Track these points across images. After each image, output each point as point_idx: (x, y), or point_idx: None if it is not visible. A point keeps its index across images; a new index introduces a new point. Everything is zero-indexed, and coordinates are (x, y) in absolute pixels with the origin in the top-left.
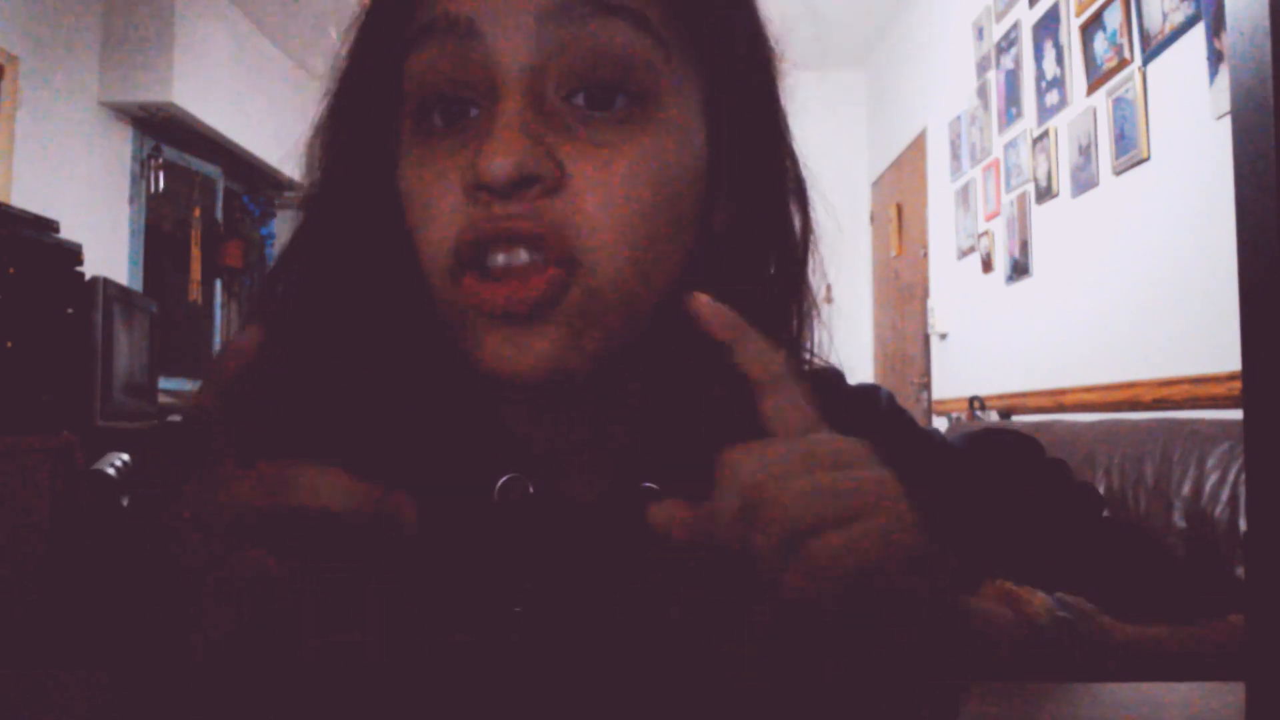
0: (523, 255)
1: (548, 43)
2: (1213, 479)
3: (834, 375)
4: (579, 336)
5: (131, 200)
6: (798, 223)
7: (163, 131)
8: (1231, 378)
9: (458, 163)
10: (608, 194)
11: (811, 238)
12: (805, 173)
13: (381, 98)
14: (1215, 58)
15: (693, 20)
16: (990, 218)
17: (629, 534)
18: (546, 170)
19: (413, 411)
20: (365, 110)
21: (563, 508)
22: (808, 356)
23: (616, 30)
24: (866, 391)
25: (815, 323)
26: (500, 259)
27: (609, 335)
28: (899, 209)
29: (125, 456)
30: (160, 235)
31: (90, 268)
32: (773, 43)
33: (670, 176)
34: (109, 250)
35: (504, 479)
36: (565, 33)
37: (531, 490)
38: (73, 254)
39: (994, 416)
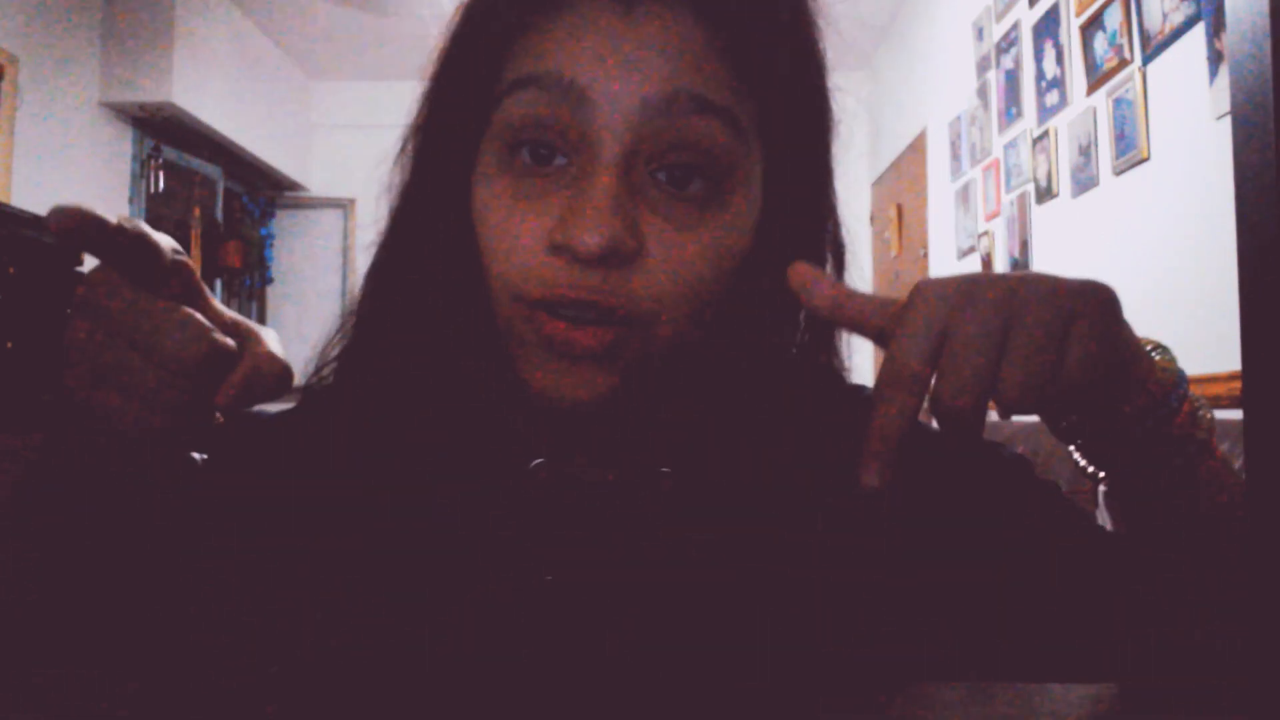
0: (591, 315)
1: (649, 128)
2: None
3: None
4: (626, 378)
5: (131, 200)
6: (830, 270)
7: (163, 131)
8: (1231, 378)
9: (542, 209)
10: (677, 273)
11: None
12: (846, 235)
13: (470, 127)
14: (1215, 58)
15: (769, 109)
16: (990, 218)
17: (644, 510)
18: (629, 246)
19: (453, 400)
20: (453, 134)
21: (585, 486)
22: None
23: (710, 127)
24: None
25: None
26: (569, 313)
27: (649, 372)
28: (899, 209)
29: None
30: None
31: (90, 268)
32: (835, 111)
33: (731, 252)
34: None
35: (534, 463)
36: (665, 120)
37: (555, 470)
38: (73, 254)
39: (994, 416)
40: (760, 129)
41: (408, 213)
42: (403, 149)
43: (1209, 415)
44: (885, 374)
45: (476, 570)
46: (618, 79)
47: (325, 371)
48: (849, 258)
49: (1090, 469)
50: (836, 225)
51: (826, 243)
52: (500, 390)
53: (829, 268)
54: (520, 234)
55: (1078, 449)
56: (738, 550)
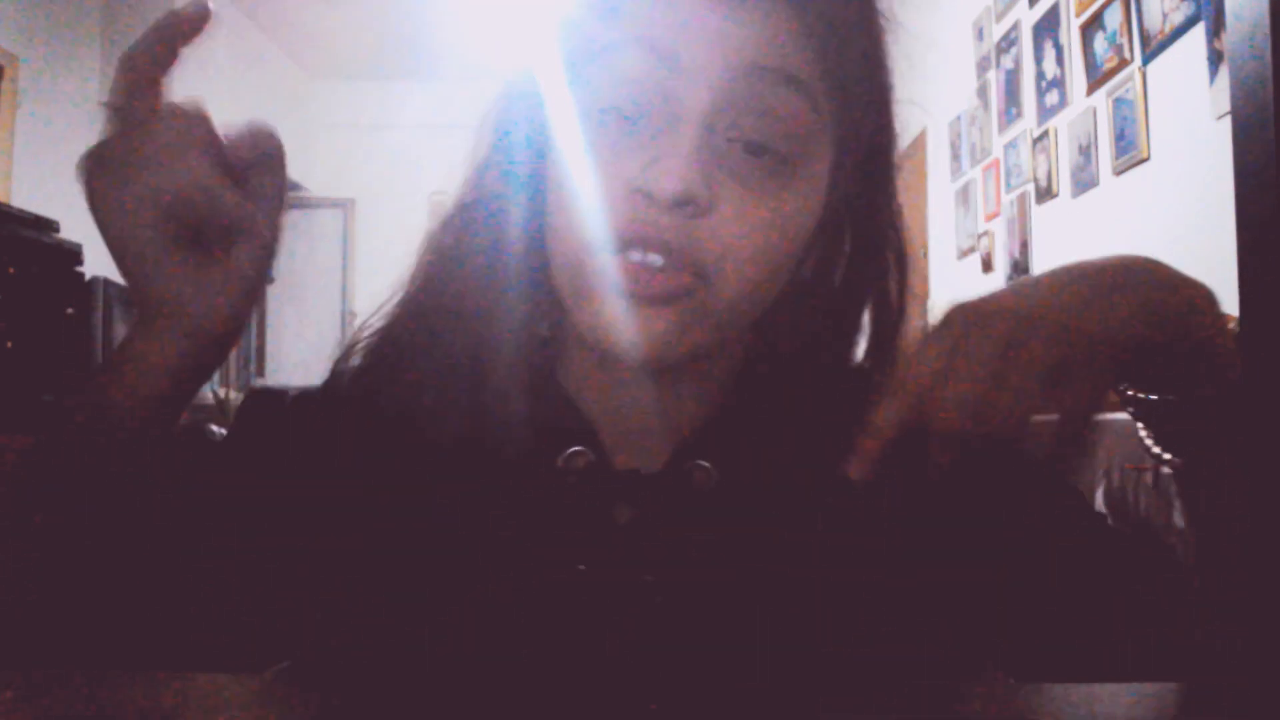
0: (658, 259)
1: (731, 94)
2: None
3: None
4: (688, 330)
5: None
6: (894, 281)
7: None
8: None
9: (625, 157)
10: (744, 230)
11: (906, 295)
12: (905, 231)
13: (558, 90)
14: (1215, 58)
15: (843, 88)
16: (990, 218)
17: (680, 503)
18: (702, 196)
19: (496, 389)
20: (537, 100)
21: (621, 478)
22: None
23: (789, 98)
24: None
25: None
26: (635, 256)
27: (709, 334)
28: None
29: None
30: None
31: (90, 268)
32: (897, 109)
33: (797, 226)
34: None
35: (569, 451)
36: (746, 90)
37: (592, 460)
38: (73, 254)
39: None
40: (834, 109)
41: (485, 181)
42: (486, 123)
43: None
44: (894, 382)
45: (499, 564)
46: (706, 46)
47: (357, 349)
48: (910, 258)
49: (1160, 451)
50: (899, 231)
51: (889, 247)
52: (537, 383)
53: (891, 273)
54: (603, 177)
55: (1149, 432)
56: (768, 550)
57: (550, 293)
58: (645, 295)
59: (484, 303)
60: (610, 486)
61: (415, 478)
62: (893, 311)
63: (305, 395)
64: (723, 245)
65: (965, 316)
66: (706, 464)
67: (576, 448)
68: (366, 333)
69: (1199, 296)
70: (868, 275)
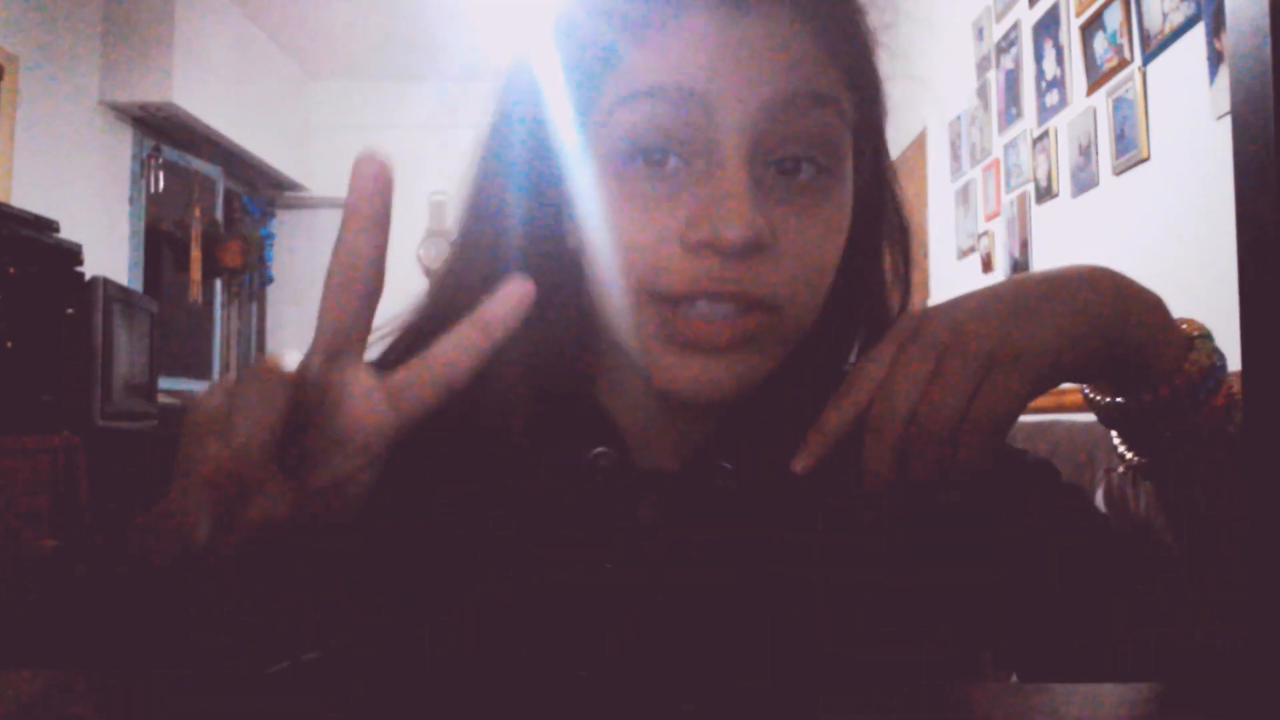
0: (728, 309)
1: (769, 125)
2: None
3: None
4: (763, 365)
5: (131, 200)
6: (902, 259)
7: (163, 131)
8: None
9: (669, 208)
10: (805, 256)
11: (912, 270)
12: (908, 221)
13: (573, 138)
14: (1215, 58)
15: (860, 95)
16: (990, 218)
17: (703, 502)
18: (765, 236)
19: (523, 391)
20: (548, 145)
21: (645, 477)
22: None
23: (822, 119)
24: None
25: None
26: (704, 307)
27: (781, 358)
28: None
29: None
30: (160, 235)
31: (90, 268)
32: (885, 91)
33: (842, 228)
34: (109, 250)
35: (595, 451)
36: (786, 116)
37: (616, 459)
38: (73, 254)
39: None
40: (855, 112)
41: (492, 217)
42: (482, 157)
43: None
44: (844, 385)
45: (523, 563)
46: (737, 83)
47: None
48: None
49: (1128, 454)
50: (899, 205)
51: (895, 224)
52: (564, 364)
53: (898, 245)
54: (651, 233)
55: (1118, 434)
56: (786, 549)
57: (587, 326)
58: (719, 346)
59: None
60: (634, 486)
61: (441, 473)
62: (903, 286)
63: None
64: (787, 274)
65: (910, 323)
66: (728, 465)
67: (601, 449)
68: (387, 328)
69: (1141, 306)
70: (877, 257)
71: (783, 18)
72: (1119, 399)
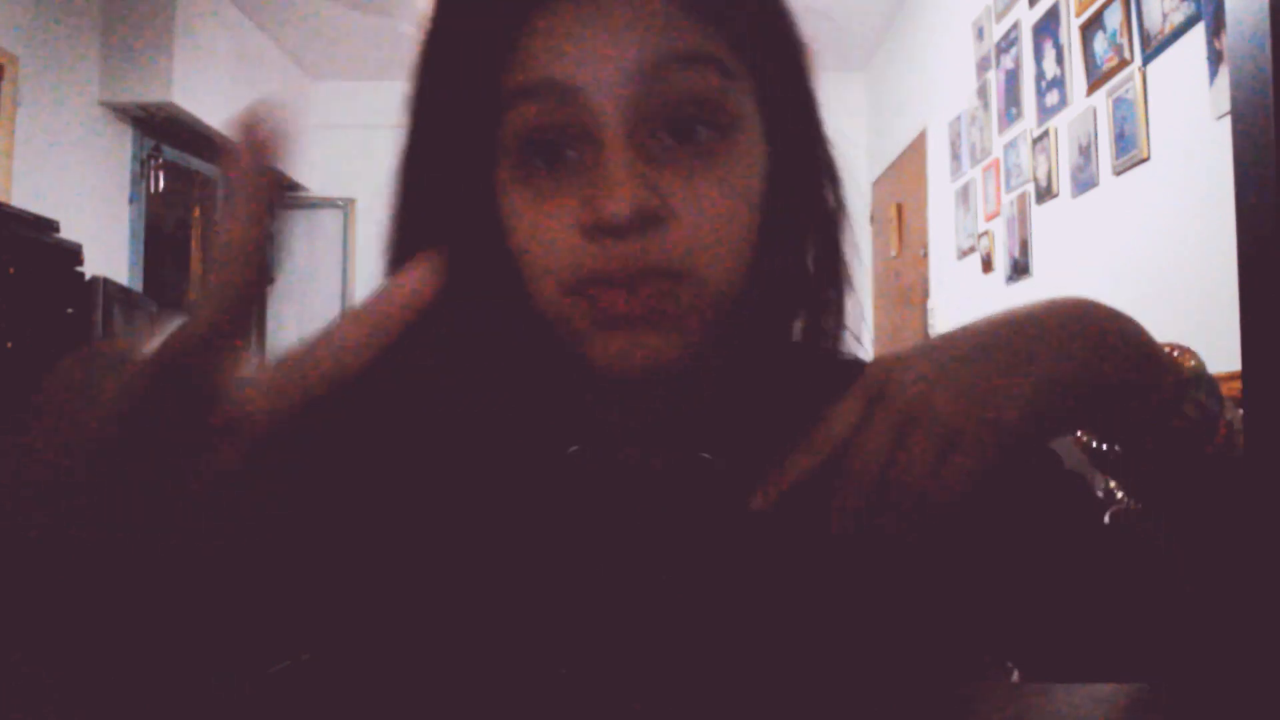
0: (633, 283)
1: (642, 94)
2: None
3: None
4: (682, 333)
5: (131, 200)
6: (831, 201)
7: (163, 131)
8: (1231, 378)
9: (566, 202)
10: (706, 218)
11: (845, 213)
12: (837, 156)
13: (474, 141)
14: (1215, 58)
15: (748, 49)
16: (990, 218)
17: (685, 495)
18: (656, 206)
19: (498, 389)
20: (457, 149)
21: (627, 472)
22: (841, 338)
23: (697, 76)
24: None
25: (850, 295)
26: (610, 288)
27: (706, 326)
28: (899, 209)
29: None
30: (160, 235)
31: (90, 268)
32: (806, 44)
33: (748, 188)
34: (109, 250)
35: (573, 448)
36: (655, 85)
37: (598, 457)
38: (73, 254)
39: None
40: (747, 69)
41: (428, 225)
42: (402, 165)
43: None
44: (812, 434)
45: (517, 555)
46: (601, 66)
47: None
48: (844, 177)
49: (1127, 500)
50: (828, 149)
51: (824, 167)
52: (537, 362)
53: (829, 194)
54: (550, 228)
55: (1116, 482)
56: (775, 539)
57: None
58: (633, 320)
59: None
60: (617, 480)
61: (429, 471)
62: (835, 225)
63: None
64: (687, 240)
65: (879, 375)
66: (708, 455)
67: (577, 447)
68: None
69: (1125, 352)
70: (812, 220)
71: None
72: (1106, 446)
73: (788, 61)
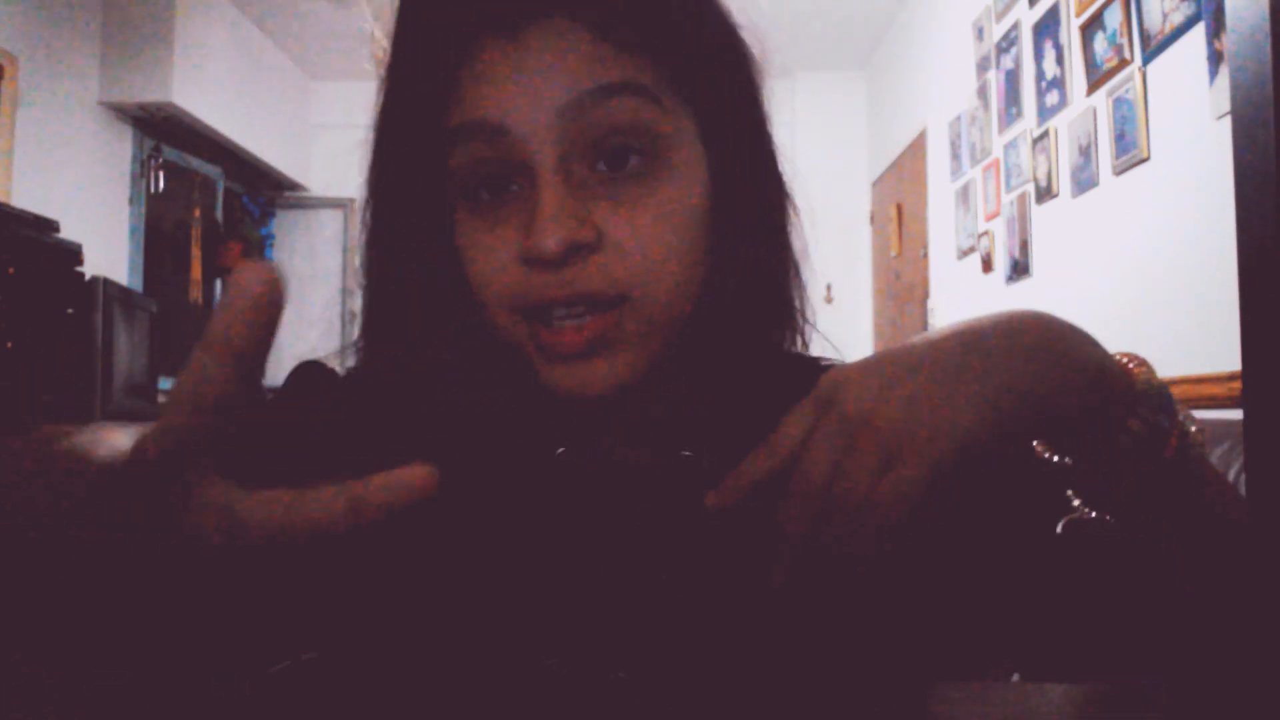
0: (580, 309)
1: (570, 129)
2: None
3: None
4: (633, 355)
5: (131, 200)
6: (782, 213)
7: (163, 131)
8: (1231, 378)
9: (506, 232)
10: (640, 241)
11: (796, 224)
12: (791, 180)
13: (427, 177)
14: (1215, 58)
15: (681, 73)
16: (990, 218)
17: (668, 492)
18: (586, 237)
19: (479, 397)
20: (412, 185)
21: (612, 470)
22: (809, 350)
23: (624, 105)
24: None
25: (812, 312)
26: (561, 312)
27: (657, 347)
28: (899, 209)
29: None
30: (160, 235)
31: (90, 268)
32: (755, 60)
33: (686, 209)
34: (109, 250)
35: (560, 449)
36: (583, 118)
37: (584, 456)
38: (73, 254)
39: None
40: (683, 94)
41: (388, 256)
42: (371, 192)
43: (1199, 437)
44: (768, 439)
45: (504, 554)
46: (529, 105)
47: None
48: (800, 201)
49: (1090, 511)
50: (778, 173)
51: (779, 190)
52: (525, 384)
53: (791, 215)
54: (498, 257)
55: (1071, 490)
56: (754, 536)
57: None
58: (580, 350)
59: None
60: (603, 478)
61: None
62: (791, 272)
63: (350, 376)
64: (625, 264)
65: (830, 386)
66: (688, 452)
67: (564, 448)
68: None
69: (1073, 365)
70: (769, 243)
71: (559, 28)
72: (1057, 458)
73: (730, 81)
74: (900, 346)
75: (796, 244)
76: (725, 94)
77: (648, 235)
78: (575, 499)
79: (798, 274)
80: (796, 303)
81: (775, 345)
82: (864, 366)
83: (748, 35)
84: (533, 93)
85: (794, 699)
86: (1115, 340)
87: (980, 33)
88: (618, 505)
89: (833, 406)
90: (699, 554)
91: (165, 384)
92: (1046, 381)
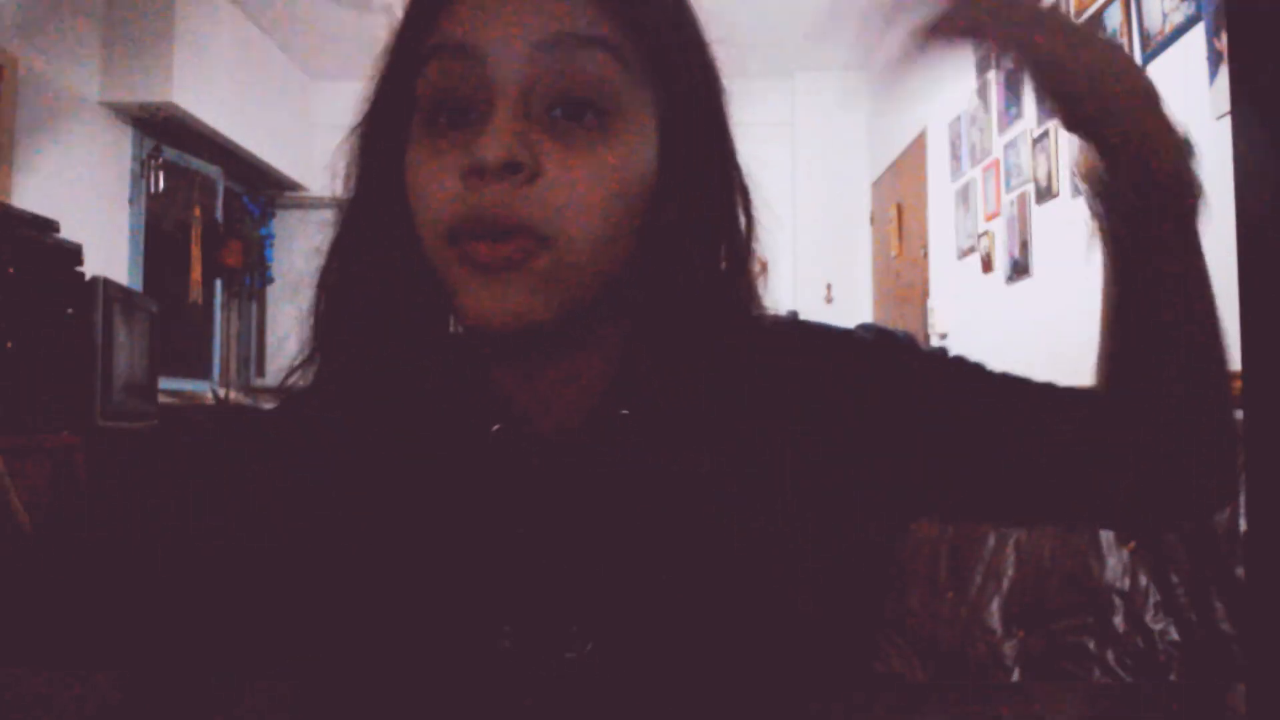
0: (500, 231)
1: (537, 67)
2: None
3: (792, 317)
4: (545, 294)
5: (131, 200)
6: (743, 220)
7: (163, 131)
8: (1231, 378)
9: (457, 155)
10: (572, 188)
11: (754, 231)
12: (748, 177)
13: (402, 101)
14: (1215, 58)
15: (652, 50)
16: (990, 218)
17: (607, 454)
18: (527, 160)
19: (415, 377)
20: (390, 112)
21: (544, 442)
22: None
23: (593, 59)
24: (830, 327)
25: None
26: (474, 234)
27: (570, 295)
28: (899, 209)
29: None
30: (160, 235)
31: (90, 268)
32: (718, 66)
33: (625, 177)
34: (109, 250)
35: (496, 427)
36: (552, 60)
37: (511, 431)
38: (73, 254)
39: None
40: (648, 69)
41: (358, 193)
42: (352, 137)
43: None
44: None
45: (445, 536)
46: (506, 33)
47: (293, 379)
48: (755, 198)
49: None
50: (738, 169)
51: (733, 184)
52: (449, 348)
53: (739, 211)
54: (437, 178)
55: (1094, 216)
56: (695, 497)
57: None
58: (488, 267)
59: (384, 299)
60: (530, 453)
61: (361, 461)
62: (742, 247)
63: (267, 415)
64: (554, 205)
65: None
66: (625, 411)
67: (498, 425)
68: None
69: (1130, 79)
70: (718, 216)
71: None
72: (1105, 174)
73: (694, 71)
74: None
75: (749, 236)
76: (686, 81)
77: (582, 185)
78: (513, 475)
79: (741, 262)
80: (740, 293)
81: (716, 320)
82: None
83: (718, 49)
84: (512, 24)
85: (743, 675)
86: None
87: None
88: (557, 479)
89: None
90: (639, 525)
91: (165, 384)
92: (1128, 68)
